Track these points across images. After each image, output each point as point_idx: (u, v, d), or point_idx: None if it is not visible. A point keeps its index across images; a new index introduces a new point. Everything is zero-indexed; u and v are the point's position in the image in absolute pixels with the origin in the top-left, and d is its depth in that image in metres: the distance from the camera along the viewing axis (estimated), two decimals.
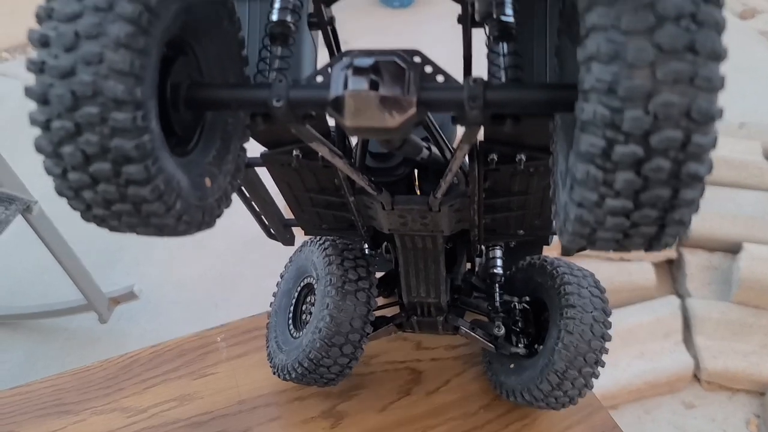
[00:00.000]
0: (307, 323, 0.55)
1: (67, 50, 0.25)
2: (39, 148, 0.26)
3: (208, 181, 0.32)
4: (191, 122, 0.32)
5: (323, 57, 0.40)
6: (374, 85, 0.27)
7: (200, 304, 1.51)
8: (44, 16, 0.25)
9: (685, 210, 0.24)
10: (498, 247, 0.57)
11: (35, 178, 1.24)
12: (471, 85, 0.27)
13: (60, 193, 0.27)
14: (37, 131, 0.26)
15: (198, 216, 0.31)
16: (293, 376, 0.54)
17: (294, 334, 0.56)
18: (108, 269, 1.53)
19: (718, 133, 0.23)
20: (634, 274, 1.36)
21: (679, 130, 0.22)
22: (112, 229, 0.29)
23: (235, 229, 1.66)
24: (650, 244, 0.26)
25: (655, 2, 0.22)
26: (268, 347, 0.58)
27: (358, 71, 0.27)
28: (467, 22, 0.33)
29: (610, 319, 0.51)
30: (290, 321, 0.58)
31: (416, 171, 0.45)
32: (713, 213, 1.39)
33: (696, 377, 1.27)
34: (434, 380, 0.60)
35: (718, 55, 0.22)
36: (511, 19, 0.33)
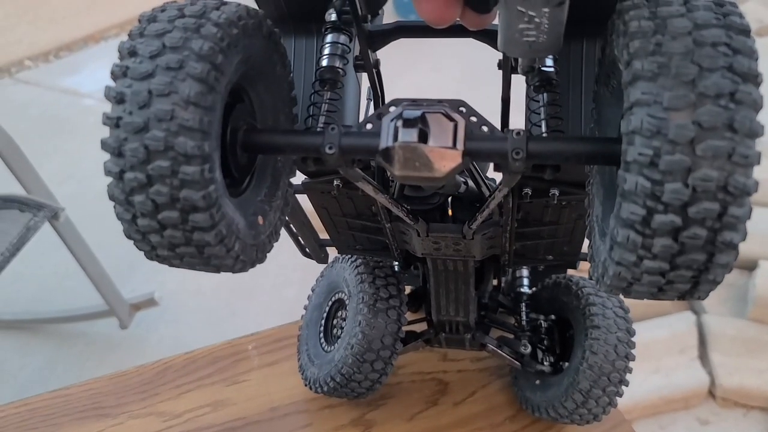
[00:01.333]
0: (338, 337, 0.57)
1: (141, 107, 0.26)
2: (111, 196, 0.28)
3: (260, 219, 0.34)
4: (245, 164, 0.33)
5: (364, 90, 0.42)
6: (423, 137, 0.29)
7: (218, 311, 1.53)
8: (120, 74, 0.27)
9: (719, 271, 0.26)
10: (524, 267, 0.59)
11: (56, 185, 1.26)
12: (514, 138, 0.29)
13: (128, 236, 0.29)
14: (109, 180, 0.28)
15: (253, 254, 0.33)
16: (325, 389, 0.55)
17: (325, 348, 0.58)
18: (128, 276, 1.55)
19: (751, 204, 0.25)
20: None
21: (716, 202, 0.24)
22: (173, 266, 0.31)
23: None
24: (683, 297, 0.28)
25: (696, 80, 0.23)
26: (299, 359, 0.60)
27: (408, 123, 0.29)
28: (507, 69, 0.35)
29: (634, 339, 0.52)
30: (321, 334, 0.59)
31: (450, 199, 0.47)
32: None
33: (711, 394, 1.28)
34: (460, 391, 0.61)
35: (755, 133, 0.24)
36: (552, 69, 0.35)
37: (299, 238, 0.54)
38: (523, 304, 0.57)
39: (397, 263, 0.56)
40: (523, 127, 0.32)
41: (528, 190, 0.40)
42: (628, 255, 0.26)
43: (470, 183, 0.44)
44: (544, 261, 0.50)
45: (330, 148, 0.30)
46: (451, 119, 0.29)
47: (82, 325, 1.51)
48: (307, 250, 0.56)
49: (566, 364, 0.54)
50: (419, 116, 0.29)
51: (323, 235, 0.54)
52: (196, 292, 1.57)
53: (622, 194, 0.25)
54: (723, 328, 1.33)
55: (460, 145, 0.29)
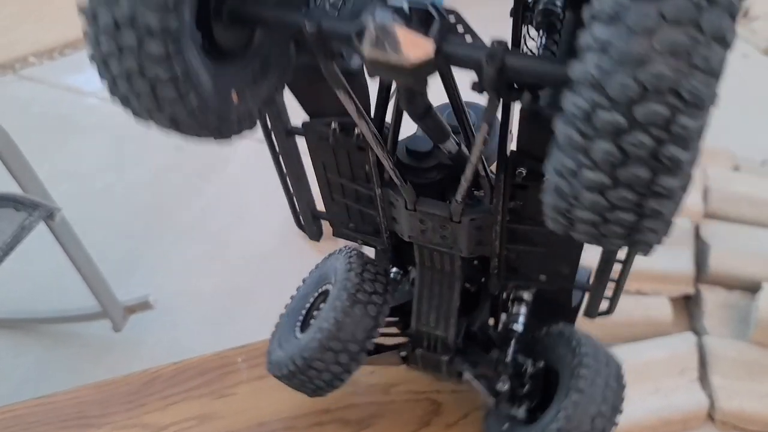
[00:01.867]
0: None
1: None
2: (80, 9, 0.29)
3: (234, 96, 0.34)
4: (236, 39, 0.34)
5: None
6: (399, 22, 0.29)
7: (215, 316, 1.51)
8: None
9: (663, 200, 0.24)
10: (523, 304, 0.55)
11: (56, 184, 1.26)
12: (493, 46, 0.28)
13: (92, 58, 0.30)
14: None
15: (213, 120, 0.33)
16: (284, 372, 0.53)
17: (297, 335, 0.56)
18: (124, 278, 1.54)
19: (707, 121, 0.22)
20: (651, 309, 1.35)
21: (665, 106, 0.22)
22: (134, 112, 0.32)
23: (252, 243, 1.67)
24: (630, 236, 0.26)
25: None
26: (270, 344, 0.58)
27: (388, 8, 0.29)
28: (518, 15, 0.34)
29: (617, 420, 0.47)
30: (299, 323, 0.57)
31: (448, 192, 0.45)
32: (733, 250, 1.37)
33: (710, 416, 1.26)
34: (454, 412, 0.60)
35: (723, 38, 0.21)
36: (559, 10, 0.35)
37: (294, 200, 0.53)
38: (513, 341, 0.54)
39: (391, 265, 0.54)
40: None
41: (522, 170, 0.39)
42: (567, 160, 0.24)
43: (464, 149, 0.42)
44: (537, 282, 0.48)
45: (310, 25, 0.31)
46: (434, 16, 0.29)
47: (77, 326, 1.50)
48: (301, 220, 0.55)
49: (541, 415, 0.50)
50: (402, 6, 0.29)
51: (320, 207, 0.53)
52: (192, 296, 1.55)
53: (568, 86, 0.23)
54: (724, 350, 1.31)
55: (434, 38, 0.29)
